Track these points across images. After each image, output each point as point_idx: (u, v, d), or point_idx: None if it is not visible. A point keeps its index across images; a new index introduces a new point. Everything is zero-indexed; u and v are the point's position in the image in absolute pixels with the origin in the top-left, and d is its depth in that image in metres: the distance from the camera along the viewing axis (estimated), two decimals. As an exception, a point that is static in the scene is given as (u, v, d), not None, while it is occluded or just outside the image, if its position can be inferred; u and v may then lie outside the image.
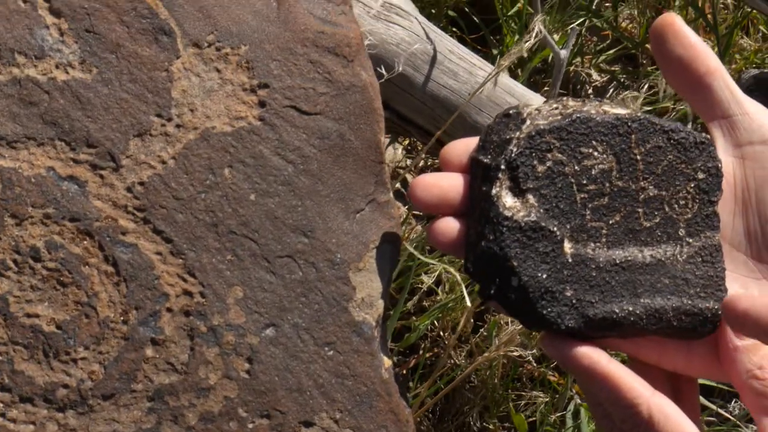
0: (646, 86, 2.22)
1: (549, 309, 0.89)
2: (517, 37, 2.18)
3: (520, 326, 1.61)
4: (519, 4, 2.23)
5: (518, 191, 0.90)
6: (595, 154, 0.91)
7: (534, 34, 1.59)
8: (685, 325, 0.92)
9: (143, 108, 0.96)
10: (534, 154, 0.90)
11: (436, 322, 1.81)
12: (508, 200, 0.90)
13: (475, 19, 2.25)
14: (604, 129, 0.91)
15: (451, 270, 1.71)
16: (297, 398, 0.96)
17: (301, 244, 0.97)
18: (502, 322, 1.71)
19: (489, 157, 0.92)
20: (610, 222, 0.91)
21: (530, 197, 0.90)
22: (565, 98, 0.95)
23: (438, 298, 1.79)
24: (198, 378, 0.94)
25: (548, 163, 0.90)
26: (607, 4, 2.35)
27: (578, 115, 0.91)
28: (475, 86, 1.72)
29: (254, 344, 0.95)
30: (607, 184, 0.91)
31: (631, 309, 0.90)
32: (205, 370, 0.94)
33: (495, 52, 2.20)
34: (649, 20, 2.28)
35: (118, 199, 0.94)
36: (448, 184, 0.94)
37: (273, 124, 0.98)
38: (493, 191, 0.90)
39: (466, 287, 1.69)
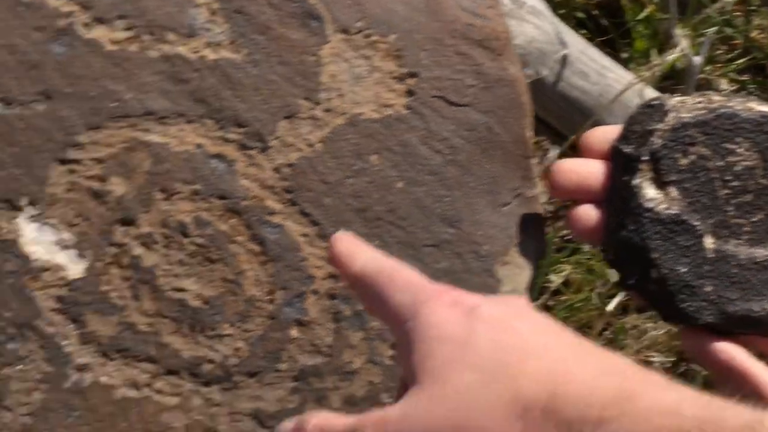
0: (776, 97, 2.19)
1: (688, 303, 0.88)
2: (649, 42, 2.16)
3: (661, 331, 1.59)
4: (650, 9, 2.21)
5: (660, 183, 0.89)
6: (740, 150, 0.90)
7: (679, 48, 1.58)
8: None
9: (292, 91, 0.95)
10: (677, 147, 0.89)
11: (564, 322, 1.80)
12: (650, 192, 0.89)
13: (604, 21, 2.23)
14: (749, 126, 0.90)
15: (579, 270, 1.69)
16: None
17: (447, 234, 0.96)
18: (628, 326, 1.69)
19: (631, 147, 0.91)
20: (753, 220, 0.90)
21: (672, 190, 0.89)
22: (709, 92, 0.94)
23: (563, 298, 1.77)
24: (342, 361, 0.94)
25: (691, 157, 0.89)
26: (737, 14, 2.32)
27: (724, 110, 0.90)
28: (605, 88, 1.70)
29: (397, 332, 0.95)
30: (751, 182, 0.90)
31: None
32: (350, 354, 0.94)
33: (624, 55, 2.18)
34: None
35: (266, 179, 0.94)
36: (588, 171, 0.93)
37: (421, 113, 0.97)
38: (635, 182, 0.89)
39: (591, 290, 1.68)
